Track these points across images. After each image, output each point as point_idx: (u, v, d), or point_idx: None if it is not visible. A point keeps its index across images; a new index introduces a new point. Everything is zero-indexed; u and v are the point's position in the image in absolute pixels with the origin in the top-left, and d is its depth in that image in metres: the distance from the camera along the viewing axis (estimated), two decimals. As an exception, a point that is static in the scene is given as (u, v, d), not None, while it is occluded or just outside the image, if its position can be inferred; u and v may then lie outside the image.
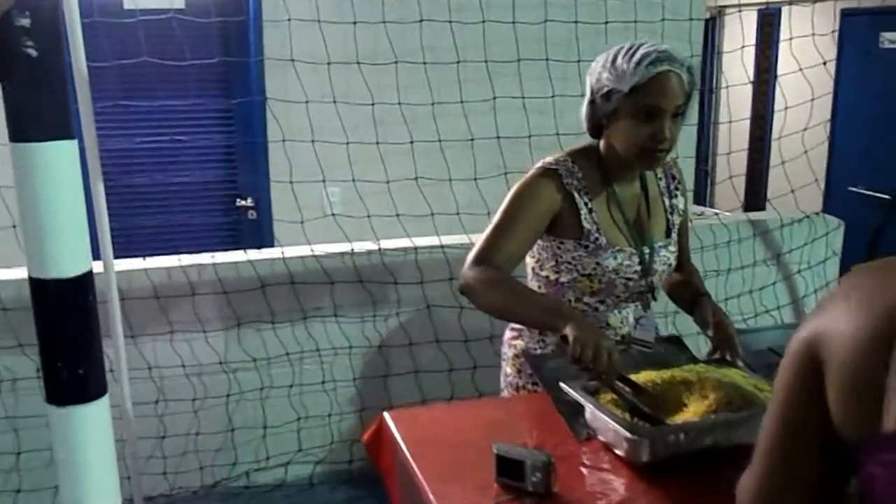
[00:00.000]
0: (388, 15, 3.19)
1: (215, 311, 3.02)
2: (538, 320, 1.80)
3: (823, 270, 3.80)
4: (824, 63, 4.21)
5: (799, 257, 3.73)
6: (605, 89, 1.84)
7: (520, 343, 2.05)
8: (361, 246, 3.18)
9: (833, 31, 6.02)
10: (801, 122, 4.01)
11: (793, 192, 3.75)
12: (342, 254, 3.15)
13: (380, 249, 3.18)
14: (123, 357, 2.52)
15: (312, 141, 3.19)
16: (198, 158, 3.96)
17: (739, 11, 6.32)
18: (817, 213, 3.82)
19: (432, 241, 3.23)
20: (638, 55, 1.81)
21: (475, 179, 3.21)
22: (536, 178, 1.93)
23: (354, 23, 3.19)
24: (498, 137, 3.24)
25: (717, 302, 2.05)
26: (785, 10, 6.67)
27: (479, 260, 1.85)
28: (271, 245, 3.85)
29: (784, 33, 6.68)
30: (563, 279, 1.96)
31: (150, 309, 2.92)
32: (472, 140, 3.25)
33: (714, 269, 3.45)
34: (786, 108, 3.74)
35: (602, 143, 1.95)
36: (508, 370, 2.08)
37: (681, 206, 2.07)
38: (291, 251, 3.12)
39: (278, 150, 3.73)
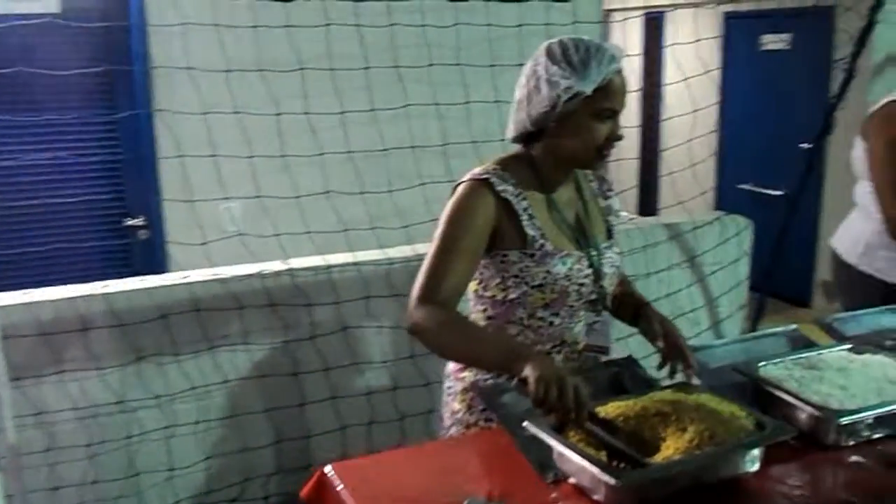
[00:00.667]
0: (292, 19, 2.94)
1: (110, 345, 2.70)
2: (496, 363, 1.65)
3: (735, 270, 3.78)
4: (723, 68, 4.24)
5: (712, 258, 3.70)
6: (571, 91, 1.69)
7: (468, 375, 1.86)
8: (270, 266, 2.92)
9: (712, 36, 6.16)
10: (690, 123, 4.00)
11: (703, 193, 3.73)
12: (249, 276, 2.88)
13: (290, 269, 2.93)
14: (8, 403, 2.21)
15: (212, 155, 2.91)
16: (80, 176, 3.59)
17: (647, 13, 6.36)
18: (727, 214, 3.80)
19: (346, 257, 3.01)
20: (597, 54, 1.70)
21: (389, 192, 3.01)
22: (468, 193, 1.77)
23: (255, 27, 2.94)
24: (413, 147, 3.05)
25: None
26: (670, 14, 6.75)
27: (426, 297, 1.70)
28: (165, 267, 3.54)
29: (669, 38, 6.77)
30: (511, 296, 1.80)
31: (36, 347, 2.58)
32: (384, 150, 3.04)
33: (632, 275, 3.34)
34: (694, 111, 3.70)
35: (538, 147, 1.81)
36: (457, 405, 1.90)
37: (616, 206, 1.97)
38: (194, 275, 2.83)
39: (170, 166, 3.43)
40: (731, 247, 3.75)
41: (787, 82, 6.07)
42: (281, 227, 2.98)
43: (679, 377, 1.78)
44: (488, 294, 1.84)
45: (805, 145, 5.93)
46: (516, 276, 1.78)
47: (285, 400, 2.96)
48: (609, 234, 1.93)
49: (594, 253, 1.84)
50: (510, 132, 1.85)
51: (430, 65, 3.10)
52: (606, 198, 1.96)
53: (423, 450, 1.75)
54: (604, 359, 1.89)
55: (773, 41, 6.14)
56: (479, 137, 2.97)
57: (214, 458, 2.90)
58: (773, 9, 5.90)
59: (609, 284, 1.88)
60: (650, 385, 1.75)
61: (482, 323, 1.87)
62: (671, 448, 1.43)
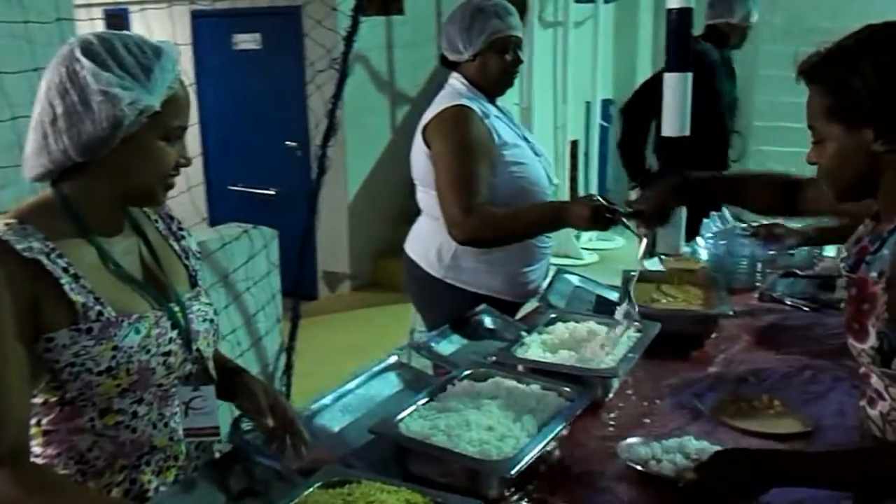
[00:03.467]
0: None
1: None
2: None
3: (268, 284, 3.49)
4: (196, 69, 3.87)
5: (244, 274, 3.35)
6: (139, 107, 1.22)
7: None
8: None
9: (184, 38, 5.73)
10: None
11: (201, 221, 3.33)
12: None
13: None
14: None
15: None
16: None
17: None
18: (254, 227, 3.46)
19: None
20: (157, 56, 1.25)
21: None
22: None
23: None
24: None
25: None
26: (137, 12, 6.10)
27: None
28: None
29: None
30: (71, 394, 1.26)
31: None
32: None
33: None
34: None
35: (76, 185, 1.29)
36: None
37: (194, 247, 1.52)
38: None
39: None
40: (260, 260, 3.45)
41: (263, 81, 5.92)
42: None
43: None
44: (38, 400, 1.27)
45: (291, 143, 5.91)
46: (72, 365, 1.24)
47: None
48: (193, 282, 1.47)
49: (176, 308, 1.37)
50: (35, 168, 1.28)
51: None
52: (180, 238, 1.49)
53: None
54: (217, 454, 1.42)
55: (246, 41, 5.94)
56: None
57: None
58: (243, 8, 5.69)
59: (206, 345, 1.42)
60: (286, 479, 1.35)
61: (39, 440, 1.29)
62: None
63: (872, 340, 1.34)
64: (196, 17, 5.97)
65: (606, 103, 6.97)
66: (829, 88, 1.36)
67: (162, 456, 1.36)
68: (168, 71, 1.25)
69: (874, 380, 1.42)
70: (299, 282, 3.80)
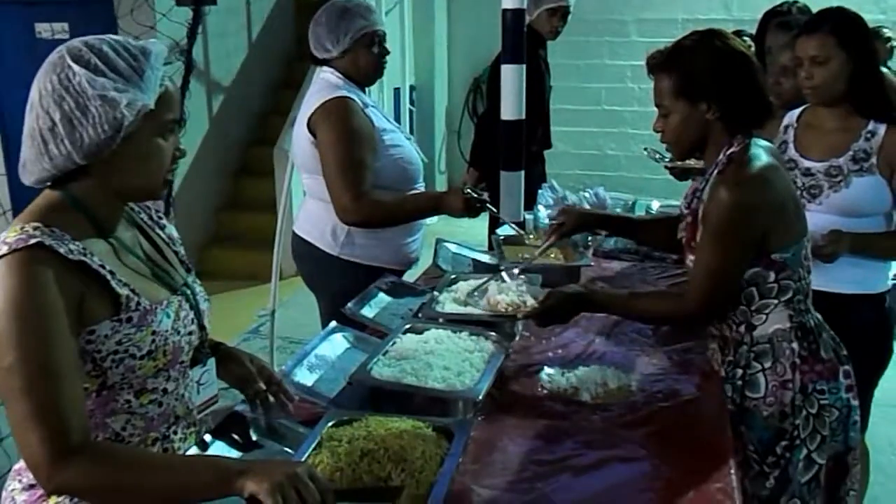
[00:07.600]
0: None
1: None
2: (206, 490, 1.22)
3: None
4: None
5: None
6: (136, 108, 1.31)
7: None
8: None
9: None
10: None
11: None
12: None
13: None
14: None
15: None
16: None
17: None
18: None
19: None
20: (145, 56, 1.35)
21: None
22: (22, 277, 1.25)
23: None
24: None
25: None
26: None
27: (60, 450, 1.21)
28: None
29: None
30: (112, 379, 1.37)
31: None
32: None
33: None
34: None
35: (83, 186, 1.37)
36: None
37: (175, 234, 1.64)
38: None
39: None
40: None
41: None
42: None
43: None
44: None
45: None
46: (116, 353, 1.35)
47: None
48: (186, 266, 1.60)
49: (188, 291, 1.52)
50: (36, 173, 1.35)
51: None
52: (163, 227, 1.60)
53: None
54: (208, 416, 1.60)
55: (51, 30, 5.64)
56: None
57: None
58: (47, -5, 5.41)
59: (208, 322, 1.57)
60: (280, 431, 1.57)
61: None
62: (416, 482, 1.32)
63: None
64: (-6, 4, 5.58)
65: (412, 89, 7.31)
66: (677, 74, 1.84)
67: (185, 423, 1.50)
68: (157, 69, 1.34)
69: None
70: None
